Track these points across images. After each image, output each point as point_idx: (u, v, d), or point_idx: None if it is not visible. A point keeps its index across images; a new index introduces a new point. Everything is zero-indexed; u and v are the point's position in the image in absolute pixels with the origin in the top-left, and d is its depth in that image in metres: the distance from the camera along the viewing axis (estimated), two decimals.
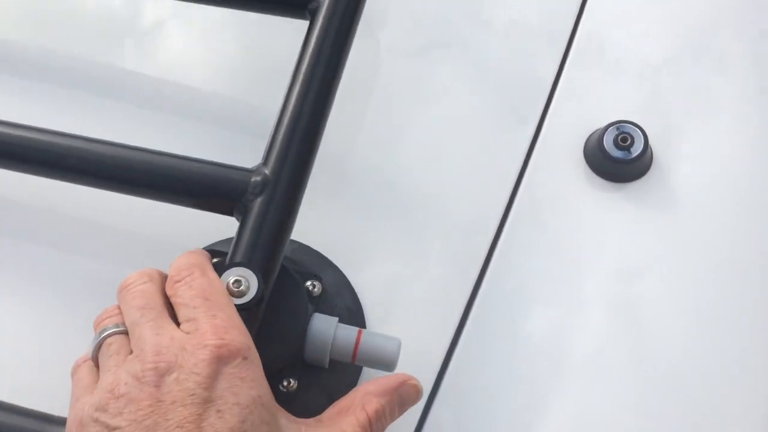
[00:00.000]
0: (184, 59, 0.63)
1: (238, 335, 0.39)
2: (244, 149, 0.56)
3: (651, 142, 0.57)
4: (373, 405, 0.42)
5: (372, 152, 0.59)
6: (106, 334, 0.41)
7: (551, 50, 0.63)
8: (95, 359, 0.41)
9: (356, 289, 0.53)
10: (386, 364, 0.46)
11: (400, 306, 0.54)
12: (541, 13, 0.65)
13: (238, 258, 0.44)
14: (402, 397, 0.44)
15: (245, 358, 0.38)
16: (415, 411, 0.50)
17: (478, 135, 0.60)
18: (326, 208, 0.56)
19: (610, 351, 0.52)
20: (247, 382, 0.38)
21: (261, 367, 0.40)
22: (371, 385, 0.44)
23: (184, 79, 0.62)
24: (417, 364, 0.49)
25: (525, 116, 0.60)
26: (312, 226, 0.53)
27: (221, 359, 0.38)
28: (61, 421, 0.41)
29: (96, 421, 0.37)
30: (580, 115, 0.60)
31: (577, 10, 0.65)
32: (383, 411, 0.43)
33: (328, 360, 0.47)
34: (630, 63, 0.62)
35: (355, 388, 0.44)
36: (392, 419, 0.43)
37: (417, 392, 0.45)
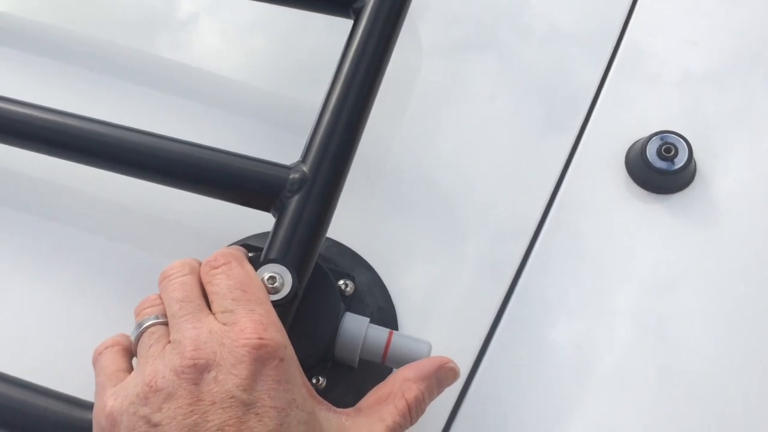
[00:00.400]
0: (225, 51, 0.64)
1: (276, 333, 0.39)
2: (283, 144, 0.57)
3: (695, 153, 0.56)
4: (412, 392, 0.43)
5: (410, 152, 0.59)
6: (148, 324, 0.41)
7: (595, 57, 0.63)
8: (135, 347, 0.42)
9: (389, 290, 0.53)
10: None
11: (432, 308, 0.53)
12: (586, 20, 0.64)
13: (273, 254, 0.44)
14: (440, 380, 0.44)
15: (282, 360, 0.39)
16: (440, 416, 0.50)
17: (518, 139, 0.60)
18: (362, 207, 0.56)
19: (638, 364, 0.51)
20: (283, 384, 0.38)
21: (296, 364, 0.40)
22: (409, 370, 0.44)
23: (223, 71, 0.63)
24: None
25: (566, 122, 0.60)
26: (348, 225, 0.54)
27: (259, 360, 0.38)
28: (88, 406, 0.42)
29: (134, 413, 0.37)
30: (623, 123, 0.59)
31: (624, 17, 0.64)
32: (422, 396, 0.43)
33: (357, 359, 0.47)
34: (676, 72, 0.61)
35: (393, 374, 0.44)
36: (431, 401, 0.44)
37: (455, 374, 0.45)
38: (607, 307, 0.53)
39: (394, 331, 0.47)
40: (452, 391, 0.50)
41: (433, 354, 0.47)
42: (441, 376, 0.45)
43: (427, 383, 0.44)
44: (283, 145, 0.56)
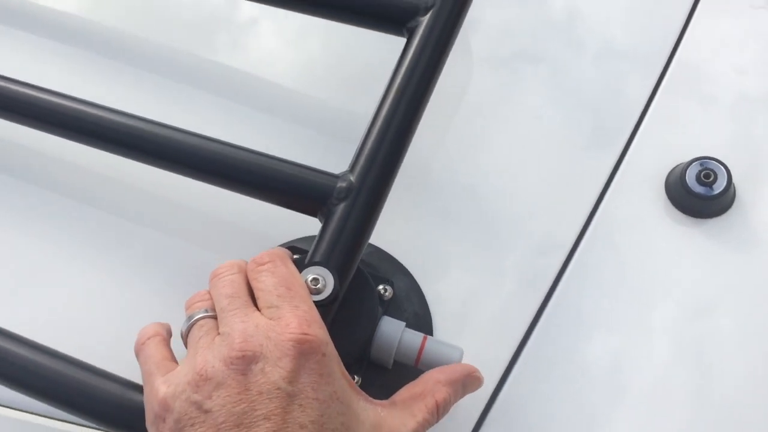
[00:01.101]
0: (282, 58, 0.67)
1: (319, 330, 0.42)
2: (334, 152, 0.60)
3: (735, 179, 0.57)
4: (442, 394, 0.46)
5: (454, 163, 0.61)
6: (198, 317, 0.44)
7: (644, 76, 0.64)
8: (185, 338, 0.45)
9: (426, 296, 0.56)
10: None
11: (467, 316, 0.55)
12: (638, 39, 0.65)
13: (317, 257, 0.47)
14: (465, 386, 0.48)
15: (324, 355, 0.41)
16: (468, 421, 0.52)
17: (561, 153, 0.61)
18: (406, 214, 0.59)
19: (672, 386, 0.53)
20: (325, 378, 0.41)
21: (337, 359, 0.43)
22: (441, 373, 0.47)
23: (279, 78, 0.66)
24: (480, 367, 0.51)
25: (610, 140, 0.61)
26: (391, 232, 0.56)
27: (303, 354, 0.41)
28: (140, 389, 0.45)
29: (186, 399, 0.40)
30: (667, 145, 0.61)
31: (676, 37, 0.65)
32: (449, 399, 0.47)
33: (392, 361, 0.50)
34: (724, 96, 0.62)
35: (425, 374, 0.47)
36: (455, 403, 0.48)
37: (479, 383, 0.49)
38: (641, 326, 0.54)
39: (428, 336, 0.49)
40: (481, 397, 0.52)
41: (463, 360, 0.49)
42: (467, 382, 0.48)
43: (455, 387, 0.47)
44: (334, 153, 0.59)
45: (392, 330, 0.49)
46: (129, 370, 0.46)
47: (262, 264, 0.45)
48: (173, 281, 0.57)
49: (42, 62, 0.67)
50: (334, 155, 0.57)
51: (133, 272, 0.58)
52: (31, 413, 0.53)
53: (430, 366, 0.49)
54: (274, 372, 0.40)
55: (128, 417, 0.44)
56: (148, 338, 0.45)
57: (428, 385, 0.46)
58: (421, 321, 0.54)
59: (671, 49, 0.65)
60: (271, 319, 0.42)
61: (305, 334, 0.41)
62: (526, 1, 0.68)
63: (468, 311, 0.56)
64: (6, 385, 0.46)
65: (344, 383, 0.43)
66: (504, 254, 0.58)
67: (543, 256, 0.57)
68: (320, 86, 0.65)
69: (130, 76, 0.66)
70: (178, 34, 0.68)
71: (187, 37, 0.68)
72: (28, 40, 0.69)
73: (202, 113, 0.64)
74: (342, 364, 0.43)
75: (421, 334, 0.50)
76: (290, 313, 0.42)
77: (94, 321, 0.56)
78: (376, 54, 0.64)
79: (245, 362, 0.40)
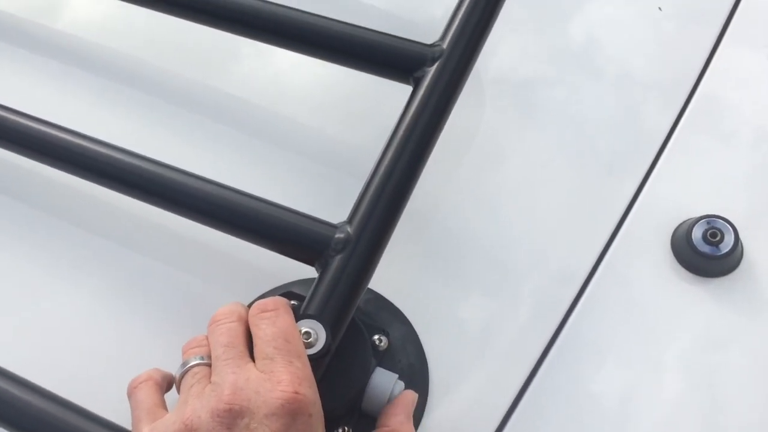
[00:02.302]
0: (285, 101, 0.67)
1: (309, 389, 0.42)
2: (334, 194, 0.60)
3: (745, 237, 0.56)
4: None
5: (457, 206, 0.61)
6: (193, 364, 0.45)
7: (662, 112, 0.63)
8: (178, 384, 0.45)
9: (424, 345, 0.55)
10: None
11: (466, 362, 0.55)
12: (659, 72, 0.65)
13: (311, 310, 0.47)
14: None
15: (311, 415, 0.41)
16: None
17: (570, 192, 0.61)
18: (405, 258, 0.58)
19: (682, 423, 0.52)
20: None
21: (322, 420, 0.43)
22: (400, 413, 0.48)
23: (282, 119, 0.66)
24: (475, 420, 0.52)
25: (622, 180, 0.61)
26: (390, 276, 0.55)
27: (291, 414, 0.40)
28: None
29: None
30: (676, 195, 0.60)
31: (698, 73, 0.65)
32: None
33: None
34: (742, 140, 0.62)
35: (388, 419, 0.48)
36: None
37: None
38: (649, 366, 0.54)
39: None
40: None
41: (461, 409, 0.49)
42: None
43: (410, 417, 0.49)
44: (336, 195, 0.59)
45: (384, 382, 0.49)
46: (117, 410, 0.47)
47: (266, 311, 0.45)
48: (166, 314, 0.57)
49: (46, 90, 0.68)
50: (335, 197, 0.57)
51: (122, 303, 0.58)
52: None
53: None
54: (258, 429, 0.40)
55: None
56: (141, 382, 0.46)
57: (398, 429, 0.47)
58: (416, 372, 0.54)
59: (693, 84, 0.65)
60: (263, 372, 0.42)
61: (296, 393, 0.41)
62: (544, 27, 0.68)
63: (468, 358, 0.55)
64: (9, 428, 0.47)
65: None
66: (505, 300, 0.57)
67: (545, 301, 0.57)
68: (325, 127, 0.65)
69: (132, 111, 0.67)
70: (181, 72, 0.69)
71: (190, 77, 0.69)
72: (35, 65, 0.70)
73: (204, 152, 0.64)
74: (324, 424, 0.43)
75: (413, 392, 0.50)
76: (283, 368, 0.42)
77: (83, 357, 0.56)
78: (383, 98, 0.64)
79: (231, 416, 0.40)
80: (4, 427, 0.46)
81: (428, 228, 0.60)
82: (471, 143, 0.64)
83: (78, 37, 0.72)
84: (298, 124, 0.66)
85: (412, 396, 0.50)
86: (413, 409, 0.49)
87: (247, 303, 0.55)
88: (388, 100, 0.63)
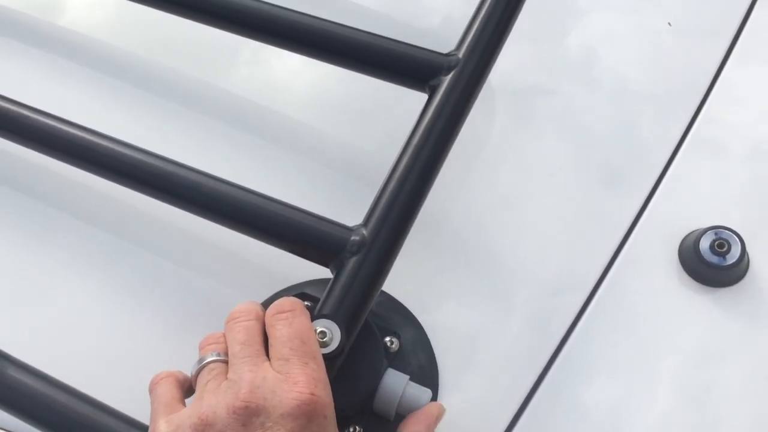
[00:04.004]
0: (302, 104, 0.68)
1: (324, 391, 0.43)
2: (349, 197, 0.61)
3: (751, 248, 0.57)
4: None
5: (469, 211, 0.62)
6: (209, 360, 0.45)
7: (668, 127, 0.65)
8: (194, 379, 0.46)
9: (435, 345, 0.56)
10: None
11: (475, 367, 0.56)
12: (667, 87, 0.67)
13: (326, 310, 0.48)
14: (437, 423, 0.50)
15: (325, 417, 0.42)
16: None
17: (579, 201, 0.62)
18: (418, 261, 0.59)
19: None
20: None
21: (335, 422, 0.43)
22: (420, 425, 0.48)
23: (299, 124, 0.67)
24: (483, 423, 0.53)
25: (631, 190, 0.62)
26: (403, 279, 0.56)
27: (306, 415, 0.41)
28: (143, 427, 0.46)
29: None
30: (684, 206, 0.61)
31: (704, 90, 0.66)
32: None
33: (394, 413, 0.51)
34: (748, 153, 0.63)
35: (407, 429, 0.48)
36: None
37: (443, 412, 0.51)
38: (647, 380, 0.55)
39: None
40: None
41: (468, 414, 0.50)
42: (439, 419, 0.50)
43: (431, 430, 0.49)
44: (351, 198, 0.60)
45: (396, 383, 0.50)
46: (131, 408, 0.48)
47: (282, 312, 0.46)
48: (180, 313, 0.58)
49: (63, 87, 0.69)
50: (349, 201, 0.58)
51: (141, 302, 0.59)
52: None
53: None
54: (274, 428, 0.41)
55: None
56: (162, 378, 0.47)
57: None
58: (426, 374, 0.54)
59: (701, 99, 0.66)
60: (279, 372, 0.43)
61: (312, 394, 0.42)
62: (552, 38, 0.70)
63: (477, 361, 0.56)
64: (9, 412, 0.47)
65: None
66: (514, 306, 0.58)
67: (553, 311, 0.57)
68: (339, 133, 0.67)
69: (150, 113, 0.68)
70: (199, 76, 0.70)
71: (209, 81, 0.70)
72: (47, 62, 0.71)
73: (222, 155, 0.65)
74: (336, 425, 0.44)
75: (426, 389, 0.50)
76: (299, 369, 0.43)
77: (100, 355, 0.57)
78: (397, 105, 0.66)
79: (247, 413, 0.41)
80: (24, 420, 0.47)
81: (439, 233, 0.61)
82: (481, 151, 0.65)
83: (87, 36, 0.73)
84: (313, 129, 0.67)
85: (437, 410, 0.50)
86: (437, 424, 0.49)
87: (260, 303, 0.56)
88: (401, 107, 0.64)
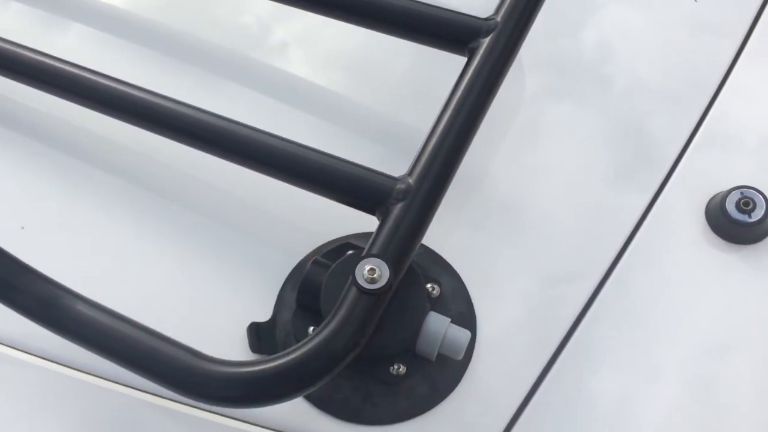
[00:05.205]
0: (347, 73, 0.71)
1: None
2: (390, 159, 0.64)
3: None
4: None
5: (503, 170, 0.65)
6: None
7: (689, 107, 0.67)
8: None
9: (473, 294, 0.59)
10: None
11: (511, 316, 0.59)
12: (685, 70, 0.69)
13: (374, 250, 0.51)
14: None
15: None
16: None
17: (606, 164, 0.65)
18: (458, 220, 0.62)
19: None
20: None
21: None
22: None
23: (344, 90, 0.70)
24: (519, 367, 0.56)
25: (656, 163, 0.65)
26: (443, 235, 0.60)
27: None
28: (207, 357, 0.49)
29: None
30: (709, 173, 0.64)
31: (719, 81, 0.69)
32: None
33: (436, 354, 0.53)
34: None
35: None
36: None
37: None
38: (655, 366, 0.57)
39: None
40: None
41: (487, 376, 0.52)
42: None
43: None
44: (391, 160, 0.63)
45: (438, 325, 0.53)
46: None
47: None
48: (232, 263, 0.61)
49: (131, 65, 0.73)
50: (390, 163, 0.61)
51: (197, 256, 0.62)
52: (118, 383, 0.57)
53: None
54: None
55: (195, 382, 0.48)
56: None
57: None
58: (465, 320, 0.57)
59: (721, 78, 0.69)
60: None
61: None
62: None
63: (511, 313, 0.59)
64: (96, 352, 0.51)
65: None
66: (547, 262, 0.61)
67: (587, 263, 0.60)
68: (381, 99, 0.70)
69: (209, 81, 0.71)
70: (252, 44, 0.73)
71: (261, 49, 0.73)
72: (94, 35, 0.74)
73: (278, 122, 0.67)
74: None
75: (466, 330, 0.53)
76: None
77: (162, 299, 0.61)
78: (433, 74, 0.69)
79: None
80: (96, 353, 0.51)
81: (476, 195, 0.64)
82: (514, 116, 0.68)
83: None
84: (357, 95, 0.70)
85: None
86: None
87: (306, 254, 0.60)
88: (436, 73, 0.67)
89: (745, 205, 0.59)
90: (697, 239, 0.61)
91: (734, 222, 0.59)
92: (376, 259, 0.50)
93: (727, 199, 0.60)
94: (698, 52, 0.70)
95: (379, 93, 0.70)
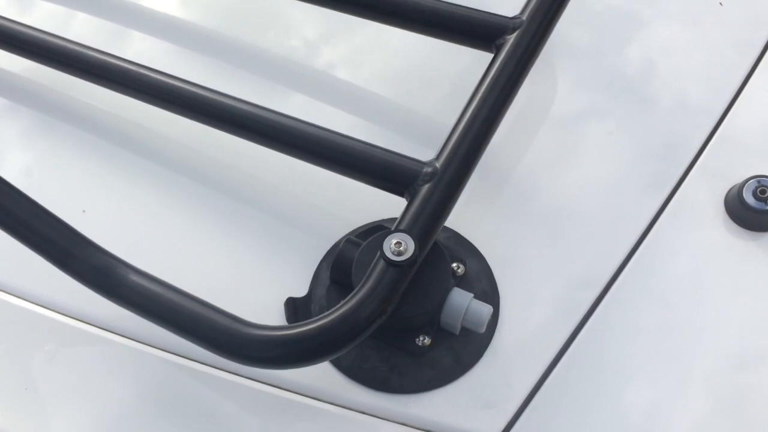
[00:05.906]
0: (378, 69, 0.76)
1: None
2: (417, 148, 0.68)
3: None
4: None
5: (536, 172, 0.68)
6: None
7: (711, 101, 0.70)
8: None
9: (496, 275, 0.62)
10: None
11: (533, 296, 0.62)
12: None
13: (402, 226, 0.55)
14: None
15: None
16: None
17: (627, 170, 0.68)
18: (484, 204, 0.66)
19: None
20: None
21: None
22: None
23: (374, 85, 0.74)
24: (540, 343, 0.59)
25: (684, 146, 0.68)
26: (468, 219, 0.64)
27: None
28: (245, 322, 0.53)
29: None
30: (728, 166, 0.66)
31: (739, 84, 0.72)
32: None
33: (459, 327, 0.57)
34: None
35: None
36: None
37: None
38: (681, 374, 0.59)
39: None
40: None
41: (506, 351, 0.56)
42: None
43: None
44: (418, 149, 0.67)
45: (461, 299, 0.57)
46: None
47: None
48: (274, 251, 0.66)
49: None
50: (419, 150, 0.65)
51: (232, 240, 0.67)
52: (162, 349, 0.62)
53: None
54: None
55: (236, 343, 0.53)
56: None
57: None
58: (489, 299, 0.60)
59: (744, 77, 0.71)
60: None
61: None
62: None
63: (533, 293, 0.62)
64: (146, 317, 0.55)
65: None
66: (569, 245, 0.64)
67: (609, 247, 0.63)
68: (413, 93, 0.74)
69: (245, 80, 0.77)
70: (295, 48, 0.79)
71: (303, 52, 0.78)
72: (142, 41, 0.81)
73: (321, 114, 0.72)
74: None
75: (488, 305, 0.56)
76: None
77: (203, 278, 0.65)
78: (459, 70, 0.73)
79: None
80: (146, 318, 0.55)
81: (508, 184, 0.67)
82: (541, 110, 0.71)
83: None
84: (386, 89, 0.74)
85: None
86: None
87: (340, 237, 0.64)
88: (461, 71, 0.71)
89: (762, 193, 0.61)
90: (718, 227, 0.64)
91: (752, 210, 0.62)
92: (402, 234, 0.54)
93: (745, 188, 0.62)
94: (722, 55, 0.73)
95: (410, 88, 0.74)
